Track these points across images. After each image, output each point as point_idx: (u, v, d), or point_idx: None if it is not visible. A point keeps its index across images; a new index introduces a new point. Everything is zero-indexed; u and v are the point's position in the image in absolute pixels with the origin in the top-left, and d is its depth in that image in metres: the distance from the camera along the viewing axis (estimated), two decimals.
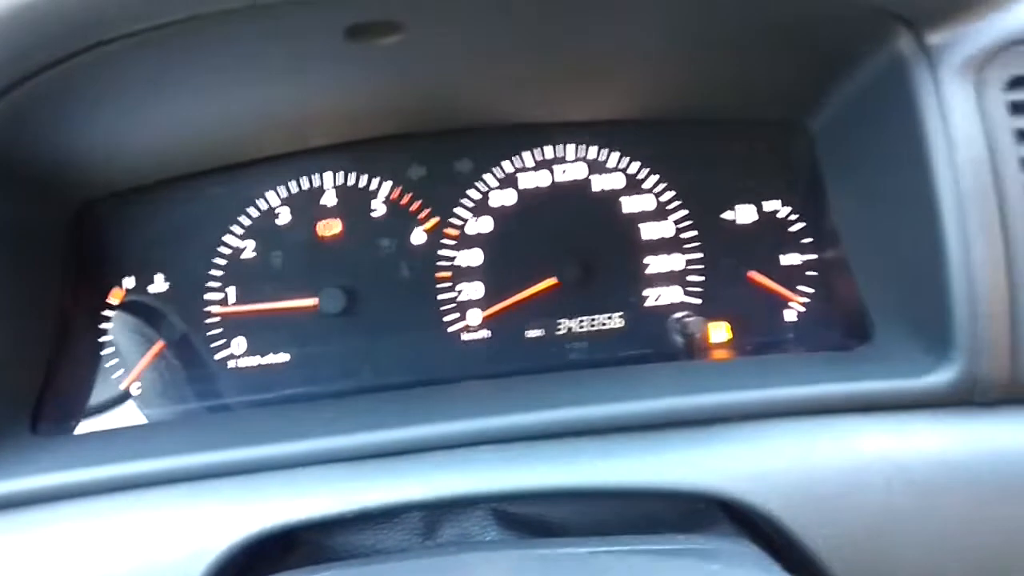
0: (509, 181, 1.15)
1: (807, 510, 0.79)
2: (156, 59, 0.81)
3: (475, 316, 1.15)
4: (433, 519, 0.89)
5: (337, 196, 1.16)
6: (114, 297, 1.16)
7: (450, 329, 1.15)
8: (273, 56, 0.82)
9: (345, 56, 0.82)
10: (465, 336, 1.15)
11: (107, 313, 1.16)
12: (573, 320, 1.14)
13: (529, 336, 1.14)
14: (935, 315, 0.84)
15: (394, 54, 0.83)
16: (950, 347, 0.82)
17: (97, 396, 1.14)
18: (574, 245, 1.14)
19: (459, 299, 1.15)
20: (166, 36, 0.73)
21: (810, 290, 1.12)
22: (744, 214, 1.13)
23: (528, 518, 0.89)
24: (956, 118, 0.82)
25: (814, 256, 1.12)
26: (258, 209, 1.16)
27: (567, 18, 0.85)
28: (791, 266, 1.12)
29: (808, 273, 1.12)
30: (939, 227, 0.82)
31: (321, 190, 1.16)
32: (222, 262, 1.15)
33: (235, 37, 0.76)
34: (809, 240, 1.12)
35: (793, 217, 1.13)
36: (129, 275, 1.16)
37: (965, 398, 0.82)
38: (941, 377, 0.82)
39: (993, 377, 0.81)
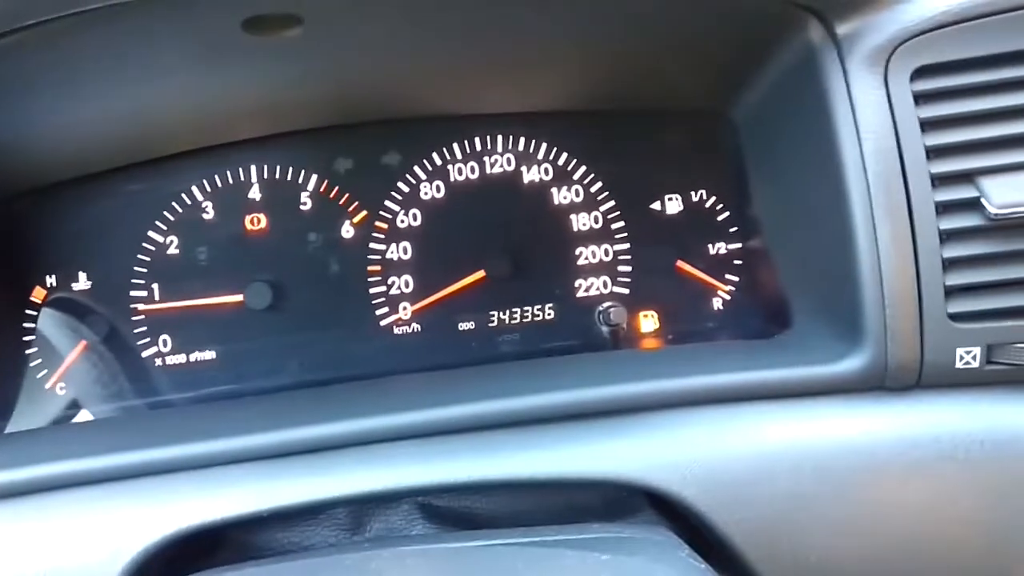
0: (438, 173, 1.14)
1: (721, 497, 0.81)
2: (60, 53, 0.79)
3: (406, 310, 1.14)
4: (359, 514, 0.89)
5: (263, 189, 1.14)
6: (37, 296, 1.13)
7: (381, 323, 1.14)
8: (177, 49, 0.80)
9: (252, 49, 0.81)
10: (397, 330, 1.14)
11: (30, 312, 1.13)
12: (504, 312, 1.14)
13: (461, 329, 1.14)
14: (847, 302, 0.86)
15: (301, 46, 0.82)
16: (860, 334, 0.84)
17: (21, 396, 1.12)
18: (503, 237, 1.14)
19: (390, 293, 1.14)
20: (63, 30, 0.71)
21: (736, 279, 1.13)
22: (671, 204, 1.14)
23: (455, 511, 0.89)
24: (864, 108, 0.83)
25: (739, 245, 1.13)
26: (182, 204, 1.13)
27: (481, 9, 0.84)
28: (717, 255, 1.13)
29: (734, 262, 1.13)
30: (848, 215, 0.84)
31: (247, 183, 1.14)
32: (146, 258, 1.13)
33: (134, 30, 0.74)
34: (734, 229, 1.13)
35: (719, 207, 1.14)
36: (51, 273, 1.13)
37: (875, 384, 0.84)
38: (852, 364, 0.84)
39: (901, 363, 0.83)
